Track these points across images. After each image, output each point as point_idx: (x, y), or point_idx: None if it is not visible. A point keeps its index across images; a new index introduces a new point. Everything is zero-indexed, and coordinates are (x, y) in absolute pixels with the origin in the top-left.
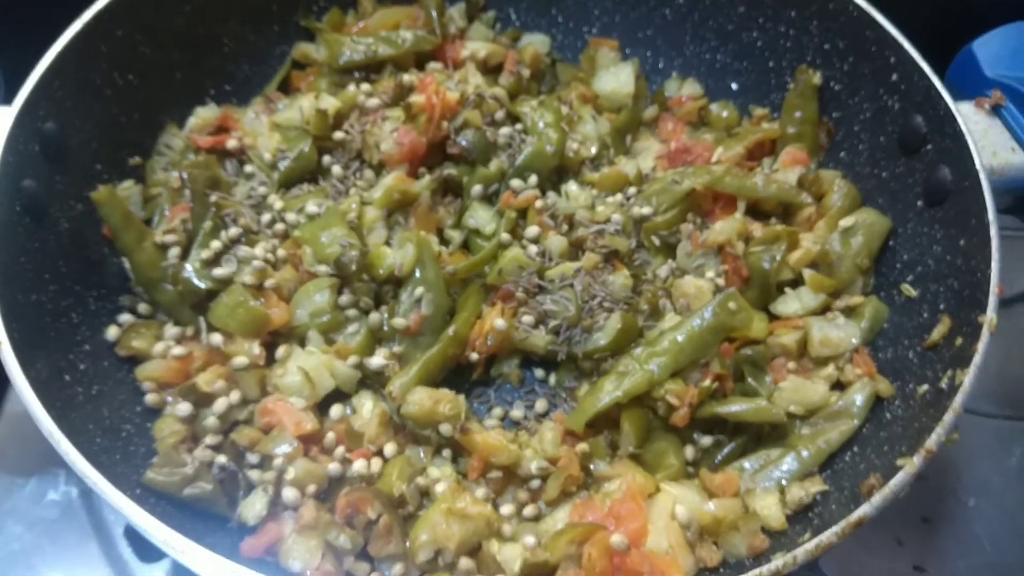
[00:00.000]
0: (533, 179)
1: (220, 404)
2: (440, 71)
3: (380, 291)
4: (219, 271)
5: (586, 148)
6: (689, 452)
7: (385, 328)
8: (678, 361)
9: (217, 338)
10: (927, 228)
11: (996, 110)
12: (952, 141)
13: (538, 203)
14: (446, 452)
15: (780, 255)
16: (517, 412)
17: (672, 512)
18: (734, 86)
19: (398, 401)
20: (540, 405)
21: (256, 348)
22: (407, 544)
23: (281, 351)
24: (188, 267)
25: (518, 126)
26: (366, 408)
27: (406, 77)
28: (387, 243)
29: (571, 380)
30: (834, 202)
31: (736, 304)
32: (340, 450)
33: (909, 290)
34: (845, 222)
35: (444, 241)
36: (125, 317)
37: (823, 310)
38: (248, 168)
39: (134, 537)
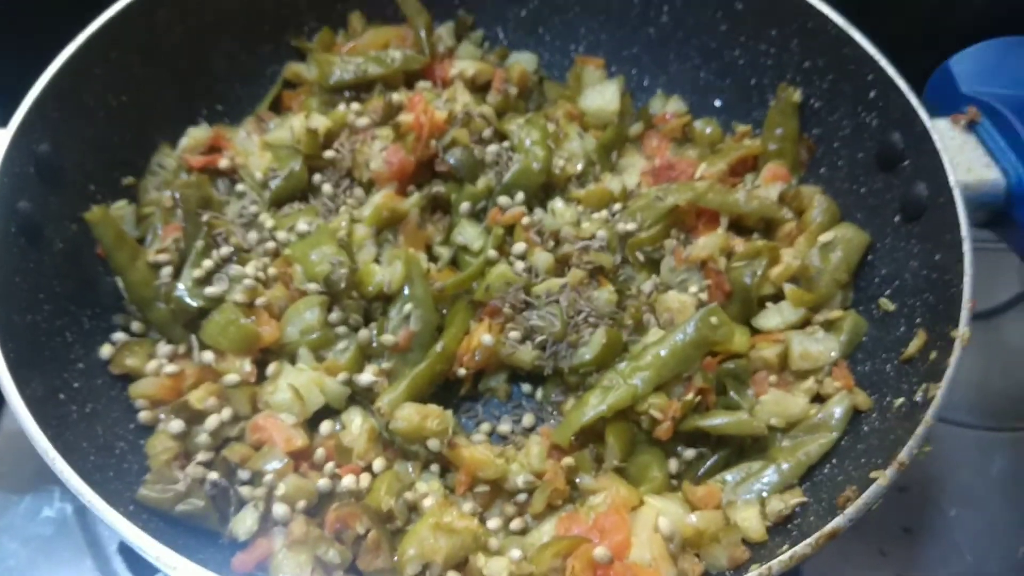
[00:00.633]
0: (520, 196)
1: (212, 421)
2: (429, 90)
3: (369, 308)
4: (211, 290)
5: (572, 165)
6: (673, 465)
7: (374, 344)
8: (661, 375)
9: (209, 356)
10: (904, 243)
11: (972, 127)
12: (928, 158)
13: (525, 220)
14: (434, 467)
15: (761, 270)
16: (504, 427)
17: (655, 525)
18: (717, 103)
19: (387, 417)
20: (527, 419)
21: (247, 365)
22: (395, 558)
23: (271, 368)
24: (180, 286)
25: (505, 144)
26: (355, 424)
27: (395, 96)
28: (376, 260)
29: (557, 394)
30: (814, 217)
31: (718, 319)
32: (330, 466)
33: (887, 304)
34: (824, 237)
35: (433, 258)
36: (118, 336)
37: (803, 324)
38: (239, 187)
39: (128, 553)
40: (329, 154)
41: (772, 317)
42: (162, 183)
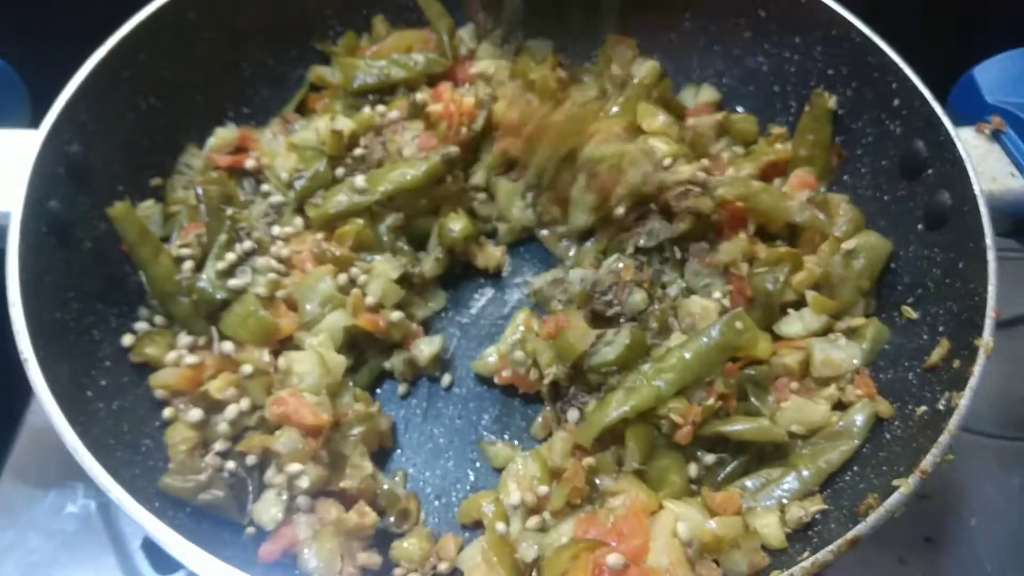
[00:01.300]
0: None
1: (231, 411)
2: (451, 90)
3: None
4: (234, 282)
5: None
6: (692, 470)
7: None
8: (685, 378)
9: (229, 346)
10: (928, 251)
11: (996, 136)
12: (952, 166)
13: None
14: None
15: (784, 277)
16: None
17: (674, 530)
18: (740, 109)
19: None
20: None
21: (266, 356)
22: None
23: (282, 361)
24: (203, 277)
25: None
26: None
27: (419, 96)
28: None
29: (581, 394)
30: (839, 225)
31: (743, 324)
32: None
33: (910, 312)
34: (847, 245)
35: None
36: (140, 325)
37: (825, 331)
38: (265, 187)
39: (151, 549)
40: (358, 151)
41: (794, 324)
42: (189, 182)
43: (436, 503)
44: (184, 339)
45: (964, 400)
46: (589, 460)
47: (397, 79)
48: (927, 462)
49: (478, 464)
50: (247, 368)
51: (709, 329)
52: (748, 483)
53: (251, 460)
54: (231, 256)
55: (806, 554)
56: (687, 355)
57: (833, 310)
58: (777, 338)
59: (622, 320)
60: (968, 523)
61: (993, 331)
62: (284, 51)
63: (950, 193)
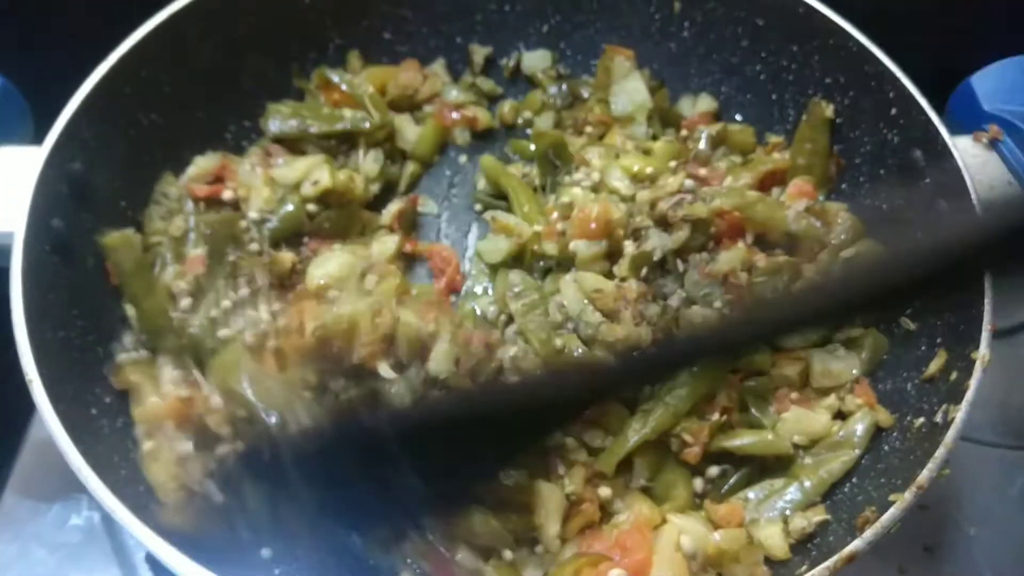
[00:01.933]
0: None
1: (223, 449)
2: None
3: None
4: (224, 332)
5: None
6: (698, 484)
7: None
8: (696, 392)
9: (218, 400)
10: None
11: (994, 144)
12: (950, 175)
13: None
14: None
15: (782, 286)
16: None
17: (677, 543)
18: (738, 117)
19: None
20: None
21: None
22: None
23: None
24: (195, 323)
25: None
26: None
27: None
28: None
29: None
30: (838, 234)
31: None
32: None
33: (908, 323)
34: (846, 254)
35: None
36: (123, 357)
37: (824, 342)
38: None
39: (155, 562)
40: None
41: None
42: (167, 212)
43: None
44: (171, 372)
45: (961, 414)
46: (605, 490)
47: (314, 134)
48: (923, 476)
49: None
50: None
51: None
52: (751, 495)
53: None
54: (226, 303)
55: (804, 567)
56: (695, 368)
57: None
58: (776, 349)
59: None
60: (967, 532)
61: (990, 343)
62: (284, 65)
63: (948, 202)
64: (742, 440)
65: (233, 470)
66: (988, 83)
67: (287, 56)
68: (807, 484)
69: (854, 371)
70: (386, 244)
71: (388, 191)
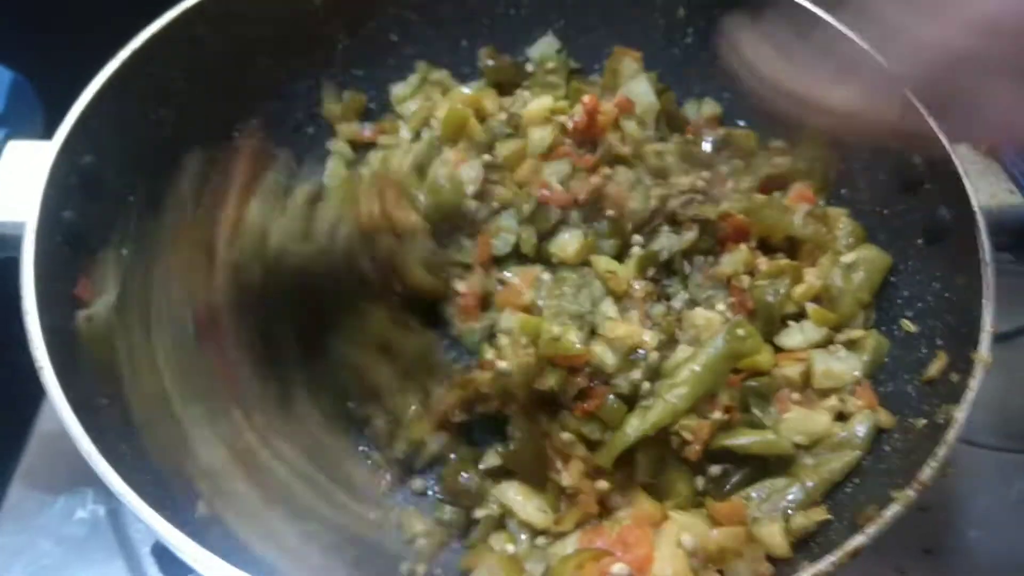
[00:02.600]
0: None
1: None
2: None
3: None
4: None
5: None
6: (699, 482)
7: None
8: (697, 391)
9: None
10: (926, 266)
11: (994, 151)
12: (950, 182)
13: None
14: None
15: (784, 289)
16: None
17: (678, 540)
18: (741, 123)
19: None
20: None
21: None
22: None
23: None
24: None
25: None
26: None
27: None
28: None
29: None
30: (839, 239)
31: (745, 330)
32: None
33: (909, 326)
34: (847, 258)
35: None
36: None
37: (825, 343)
38: None
39: (160, 555)
40: None
41: (794, 336)
42: None
43: None
44: None
45: (961, 414)
46: (602, 483)
47: None
48: (925, 474)
49: None
50: None
51: (715, 339)
52: (753, 494)
53: None
54: None
55: (805, 564)
56: (696, 367)
57: (833, 322)
58: (778, 350)
59: None
60: (968, 535)
61: (990, 345)
62: (293, 63)
63: (948, 209)
64: (743, 439)
65: None
66: None
67: (294, 57)
68: (809, 484)
69: (856, 372)
70: None
71: None
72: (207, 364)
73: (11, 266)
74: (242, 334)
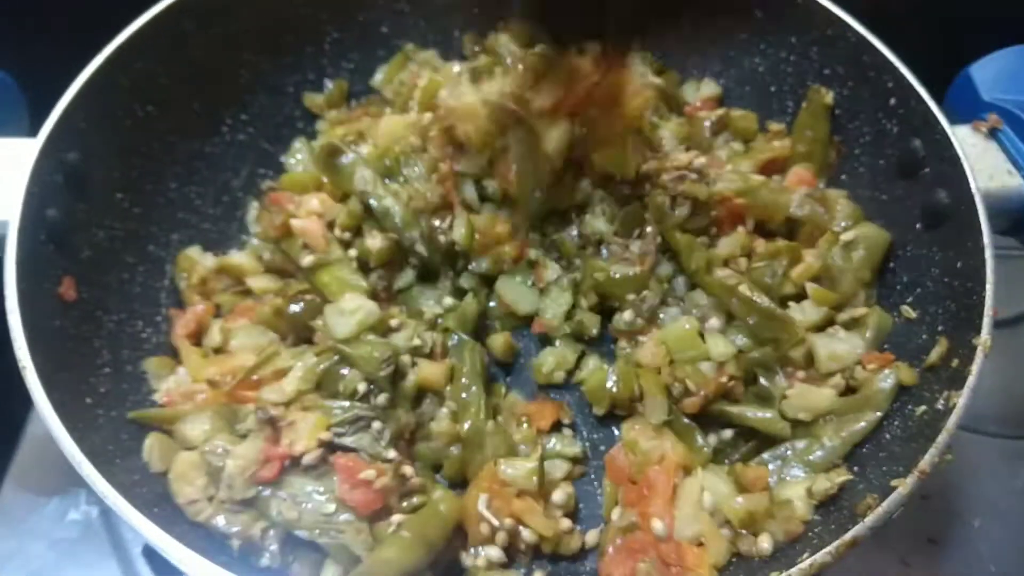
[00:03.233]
0: None
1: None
2: None
3: None
4: None
5: None
6: (712, 440)
7: None
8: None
9: None
10: (926, 250)
11: (993, 133)
12: (949, 165)
13: None
14: None
15: (782, 269)
16: None
17: (699, 499)
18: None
19: None
20: None
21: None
22: None
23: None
24: None
25: None
26: None
27: None
28: None
29: None
30: (838, 220)
31: None
32: None
33: (909, 311)
34: (846, 236)
35: None
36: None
37: (826, 323)
38: None
39: (152, 556)
40: None
41: (795, 316)
42: None
43: None
44: None
45: (962, 399)
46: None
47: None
48: (925, 462)
49: None
50: None
51: None
52: (774, 454)
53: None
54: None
55: (806, 555)
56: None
57: (834, 302)
58: None
59: None
60: (971, 524)
61: (991, 329)
62: (280, 58)
63: (947, 192)
64: (741, 409)
65: None
66: (987, 72)
67: (283, 50)
68: (829, 444)
69: (859, 350)
70: None
71: None
72: None
73: None
74: None
